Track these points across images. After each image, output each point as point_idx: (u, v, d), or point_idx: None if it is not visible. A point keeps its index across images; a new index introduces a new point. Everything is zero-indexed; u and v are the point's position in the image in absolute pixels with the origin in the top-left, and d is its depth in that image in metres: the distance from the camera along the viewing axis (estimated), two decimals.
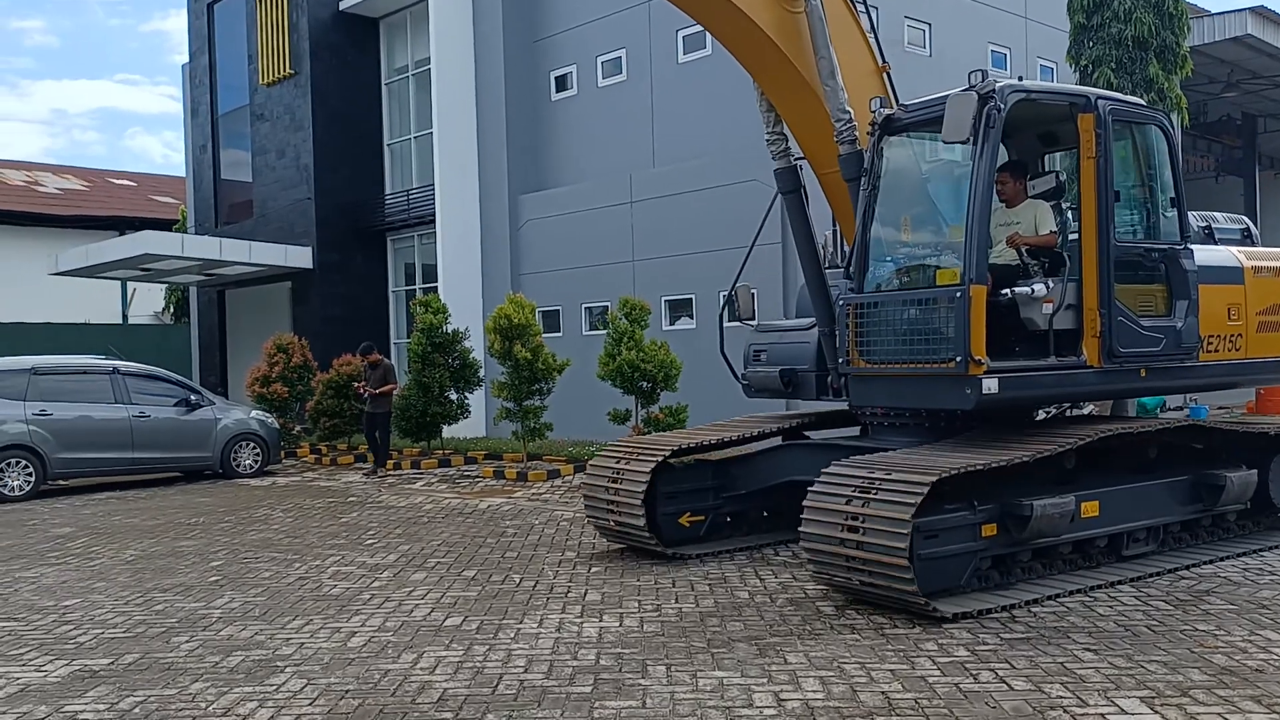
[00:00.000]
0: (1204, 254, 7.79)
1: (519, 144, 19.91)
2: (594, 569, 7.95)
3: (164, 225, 31.50)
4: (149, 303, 36.59)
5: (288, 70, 22.62)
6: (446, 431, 16.92)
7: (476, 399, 17.23)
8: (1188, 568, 7.27)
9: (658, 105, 17.91)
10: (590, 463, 8.67)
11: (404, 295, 22.61)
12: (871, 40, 8.23)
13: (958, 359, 6.49)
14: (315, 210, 22.18)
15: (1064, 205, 7.81)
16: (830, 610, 6.50)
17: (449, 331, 16.07)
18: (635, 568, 7.93)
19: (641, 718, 4.70)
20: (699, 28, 12.53)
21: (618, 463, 8.22)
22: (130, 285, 34.98)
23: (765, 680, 5.17)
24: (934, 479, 5.97)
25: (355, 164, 22.68)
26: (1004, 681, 5.05)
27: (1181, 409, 15.63)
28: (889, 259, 7.52)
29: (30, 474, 13.54)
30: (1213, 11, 21.68)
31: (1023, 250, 7.18)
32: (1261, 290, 8.11)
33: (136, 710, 5.06)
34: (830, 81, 7.61)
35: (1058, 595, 6.54)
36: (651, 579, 7.54)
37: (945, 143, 6.61)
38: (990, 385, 6.53)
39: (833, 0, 7.85)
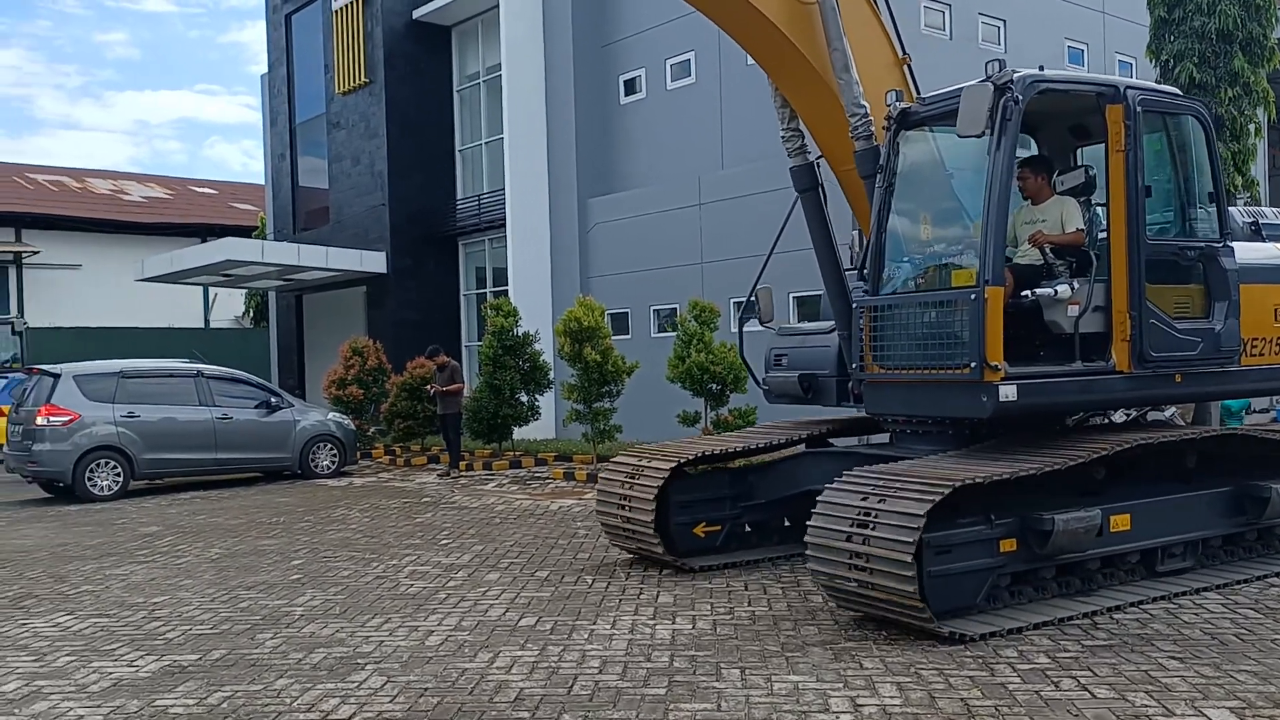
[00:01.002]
0: (1248, 251, 7.38)
1: (588, 148, 20.04)
2: (665, 571, 7.97)
3: (244, 232, 32.30)
4: (229, 307, 37.57)
5: (363, 79, 23.06)
6: (517, 433, 17.09)
7: (546, 401, 17.37)
8: (1234, 584, 6.84)
9: (726, 107, 17.89)
10: (602, 472, 8.37)
11: (475, 299, 22.89)
12: (891, 31, 7.90)
13: (972, 365, 6.20)
14: (389, 216, 22.57)
15: (1093, 202, 7.40)
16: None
17: (519, 334, 16.24)
18: (707, 570, 7.92)
19: None
20: None
21: (629, 473, 7.98)
22: (212, 290, 35.96)
23: (841, 685, 5.14)
24: (939, 495, 5.64)
25: (428, 170, 23.04)
26: (1086, 689, 4.96)
27: (1267, 411, 15.14)
28: (905, 259, 7.21)
29: (119, 474, 13.99)
30: None
31: (1046, 250, 6.81)
32: None
33: (224, 705, 5.21)
34: (844, 75, 7.33)
35: (1092, 613, 6.16)
36: (724, 581, 7.54)
37: (961, 136, 6.26)
38: (1008, 392, 6.22)
39: None
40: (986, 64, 6.39)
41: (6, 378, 21.20)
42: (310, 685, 5.47)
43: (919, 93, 7.62)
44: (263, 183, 30.43)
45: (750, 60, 17.17)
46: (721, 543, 8.27)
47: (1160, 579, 6.85)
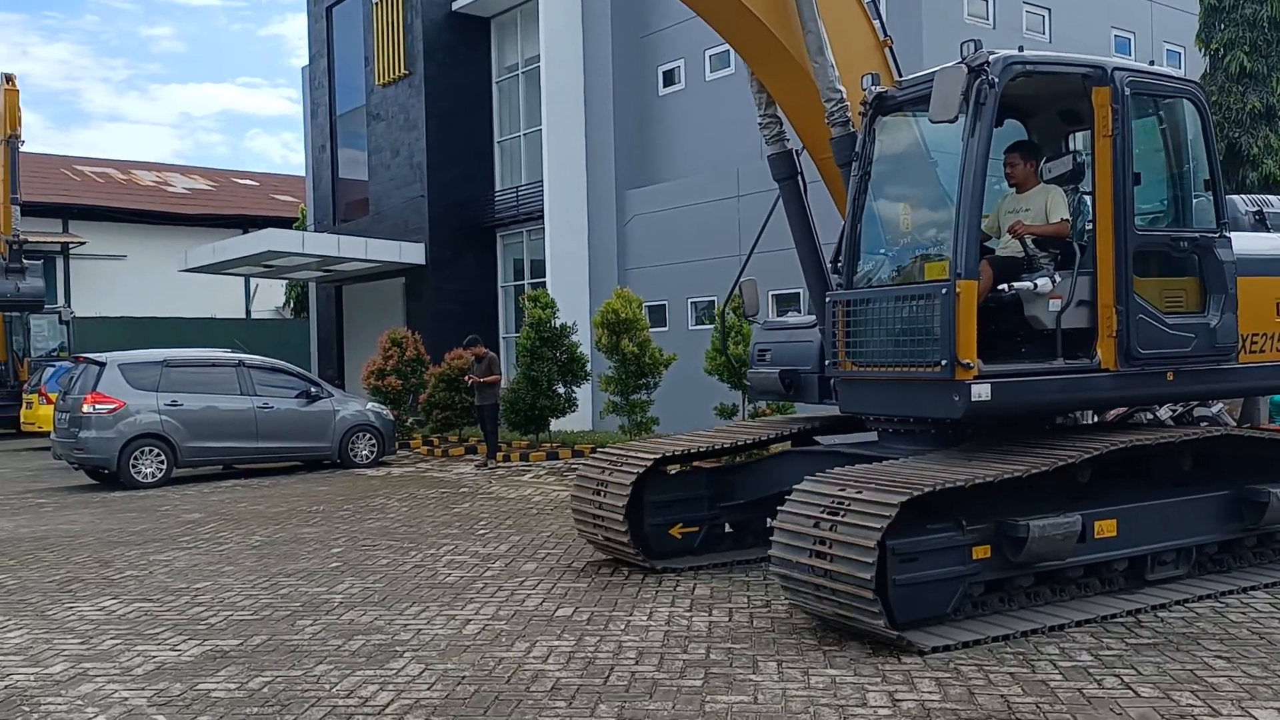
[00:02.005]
0: (1248, 242, 7.02)
1: (626, 139, 20.02)
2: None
3: (285, 223, 32.65)
4: (270, 298, 38.00)
5: (402, 71, 23.19)
6: (554, 425, 17.16)
7: (584, 392, 17.41)
8: (1222, 595, 6.45)
9: None
10: (578, 472, 8.10)
11: (513, 290, 22.98)
12: (871, 12, 7.60)
13: (943, 362, 5.90)
14: (428, 207, 22.70)
15: (1081, 190, 7.01)
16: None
17: (557, 326, 16.27)
18: (744, 563, 7.89)
19: (753, 714, 4.69)
20: None
21: (602, 472, 7.69)
22: (253, 281, 36.37)
23: (879, 680, 5.10)
24: (903, 499, 5.34)
25: (466, 162, 23.14)
26: (1130, 688, 4.88)
27: None
28: (881, 251, 6.88)
29: (162, 462, 14.18)
30: None
31: (1028, 241, 6.50)
32: None
33: (265, 690, 5.26)
34: (819, 58, 7.06)
35: (1062, 626, 5.81)
36: (760, 574, 7.50)
37: (933, 122, 5.96)
38: (981, 392, 5.91)
39: None
40: (961, 45, 6.08)
41: (54, 366, 21.58)
42: (349, 671, 5.52)
43: (901, 76, 7.30)
44: (303, 174, 30.71)
45: None
46: (700, 544, 7.97)
47: (1151, 587, 6.47)
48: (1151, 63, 6.90)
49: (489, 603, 6.96)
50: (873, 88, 6.78)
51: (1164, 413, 8.40)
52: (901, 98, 6.72)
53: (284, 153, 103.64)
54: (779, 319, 9.15)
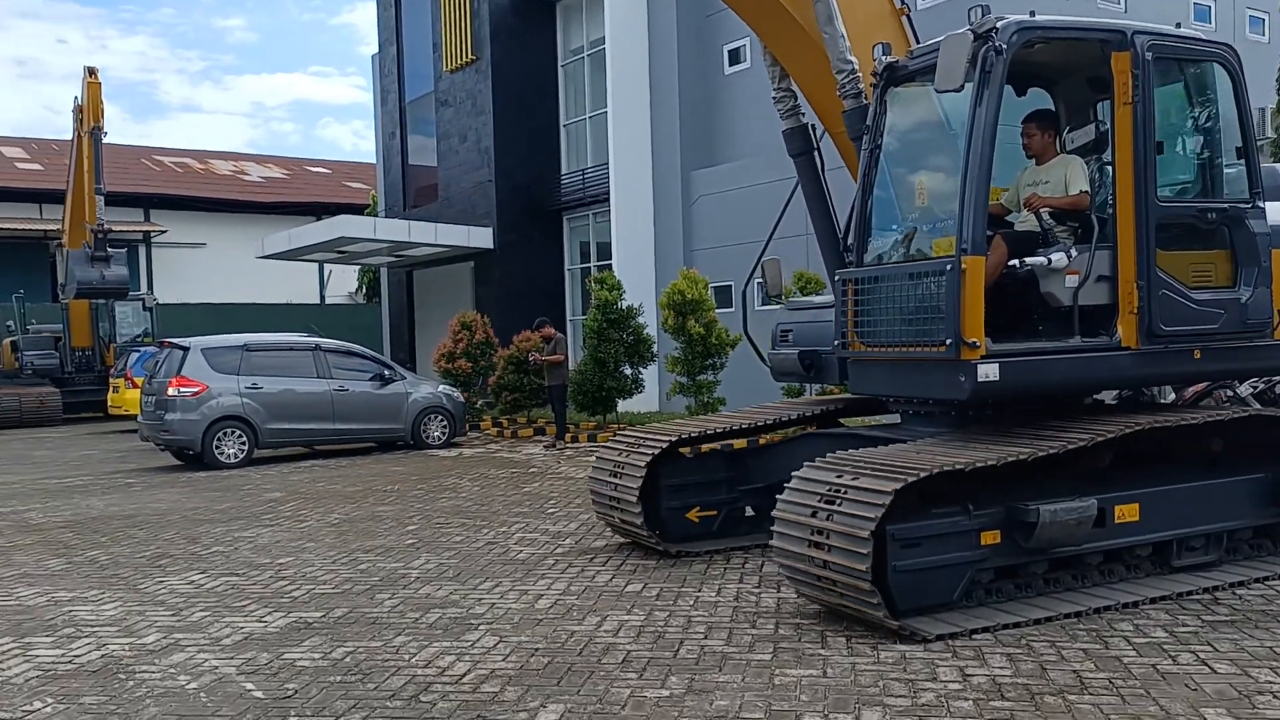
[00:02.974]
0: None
1: (691, 120, 19.99)
2: None
3: (356, 210, 33.25)
4: (343, 283, 38.74)
5: (470, 56, 23.43)
6: (621, 406, 17.26)
7: (650, 374, 17.48)
8: (1258, 581, 6.17)
9: None
10: (597, 454, 8.05)
11: (579, 273, 23.13)
12: None
13: (948, 342, 5.71)
14: (495, 192, 22.95)
15: (1103, 161, 6.71)
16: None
17: (623, 308, 16.36)
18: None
19: (823, 688, 4.74)
20: None
21: (619, 455, 7.63)
22: (327, 267, 37.10)
23: (950, 655, 5.11)
24: (898, 486, 5.19)
25: (533, 145, 23.31)
26: (1205, 664, 4.83)
27: None
28: (893, 228, 6.65)
29: (244, 443, 14.62)
30: None
31: (1044, 215, 6.30)
32: None
33: (347, 659, 5.45)
34: (828, 28, 6.83)
35: (1079, 614, 5.62)
36: None
37: (938, 91, 5.74)
38: (988, 372, 5.70)
39: None
40: (969, 10, 5.86)
41: (139, 352, 22.29)
42: (427, 643, 5.68)
43: (918, 44, 7.06)
44: (373, 161, 31.20)
45: None
46: (718, 528, 7.86)
47: (1177, 574, 6.22)
48: (1178, 25, 6.56)
49: (560, 578, 7.10)
50: (883, 57, 6.56)
51: (1245, 389, 8.20)
52: (913, 67, 6.47)
53: (354, 140, 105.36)
54: (803, 299, 8.96)
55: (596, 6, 21.76)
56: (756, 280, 8.03)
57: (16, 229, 33.83)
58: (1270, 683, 4.57)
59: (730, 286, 18.55)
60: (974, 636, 5.36)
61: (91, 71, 23.87)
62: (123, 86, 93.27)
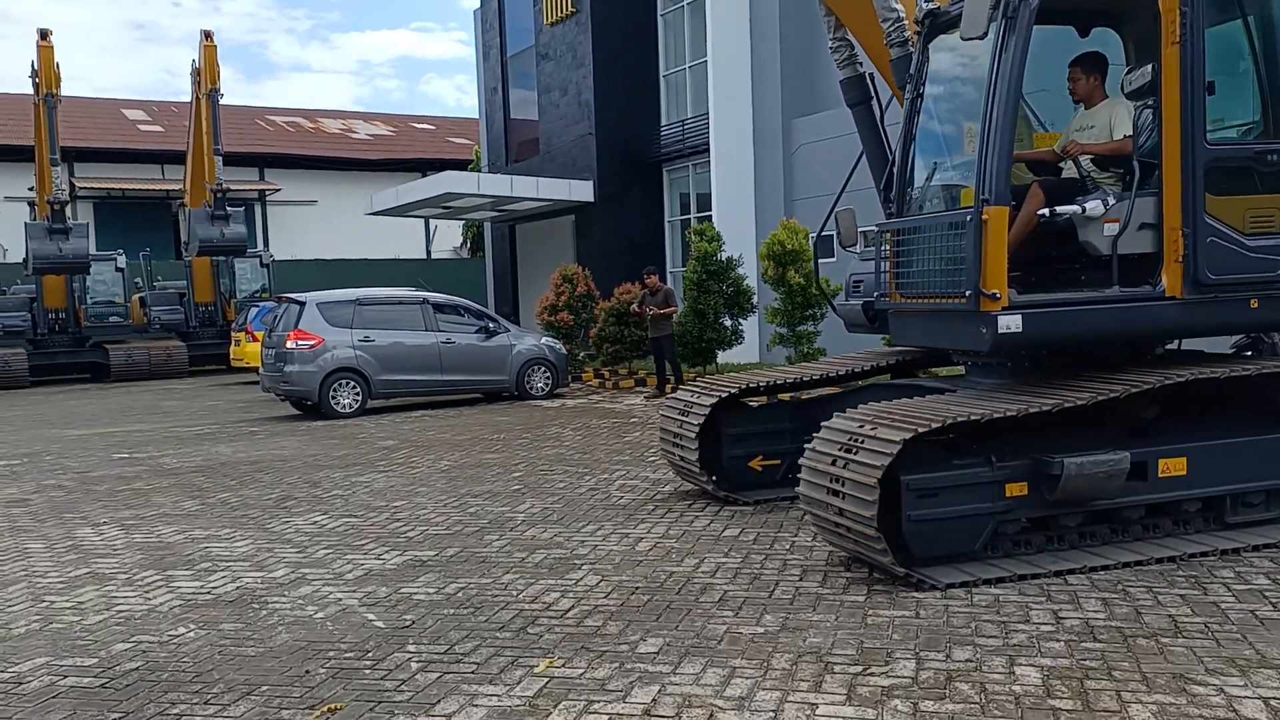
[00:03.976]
0: None
1: (792, 67, 19.74)
2: None
3: (460, 166, 33.82)
4: (448, 238, 39.57)
5: (570, 9, 23.51)
6: (721, 357, 17.38)
7: (750, 325, 17.54)
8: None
9: None
10: (666, 400, 8.24)
11: (679, 225, 23.20)
12: None
13: (968, 293, 5.66)
14: (595, 145, 23.09)
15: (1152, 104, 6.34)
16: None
17: (723, 259, 16.42)
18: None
19: (915, 628, 4.86)
20: None
21: (686, 403, 7.75)
22: (433, 223, 37.92)
23: (1044, 599, 5.17)
24: (906, 436, 5.20)
25: (632, 97, 23.35)
26: None
27: None
28: (935, 179, 6.57)
29: (358, 393, 15.23)
30: None
31: (1083, 161, 6.14)
32: None
33: (459, 594, 5.78)
34: None
35: (1107, 566, 5.55)
36: None
37: (964, 39, 5.58)
38: (1010, 323, 5.59)
39: None
40: None
41: (258, 306, 23.26)
42: (533, 581, 5.98)
43: None
44: (476, 117, 31.65)
45: None
46: (781, 477, 7.75)
47: (1230, 530, 6.03)
48: None
49: (659, 523, 7.33)
50: (925, 4, 6.39)
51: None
52: (954, 14, 6.16)
53: (458, 96, 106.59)
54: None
55: None
56: (831, 231, 7.95)
57: (141, 189, 35.44)
58: None
59: (833, 235, 18.39)
60: (1070, 581, 5.41)
61: (208, 35, 24.73)
62: (235, 48, 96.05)
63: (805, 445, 5.91)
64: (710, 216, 20.20)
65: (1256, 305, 6.02)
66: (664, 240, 23.63)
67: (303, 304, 15.43)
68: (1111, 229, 5.80)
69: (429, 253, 39.79)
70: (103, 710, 4.35)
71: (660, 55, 23.69)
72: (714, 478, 7.73)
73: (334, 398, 15.05)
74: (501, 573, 6.20)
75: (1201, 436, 6.02)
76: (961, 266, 5.76)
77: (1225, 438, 6.05)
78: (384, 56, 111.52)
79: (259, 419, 15.60)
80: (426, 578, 6.17)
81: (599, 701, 4.18)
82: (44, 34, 23.69)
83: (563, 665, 4.59)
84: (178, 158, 30.31)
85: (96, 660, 4.96)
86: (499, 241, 29.01)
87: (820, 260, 8.98)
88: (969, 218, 5.69)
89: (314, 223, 37.68)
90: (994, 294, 5.60)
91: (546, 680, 4.43)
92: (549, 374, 16.66)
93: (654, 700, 4.16)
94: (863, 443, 5.39)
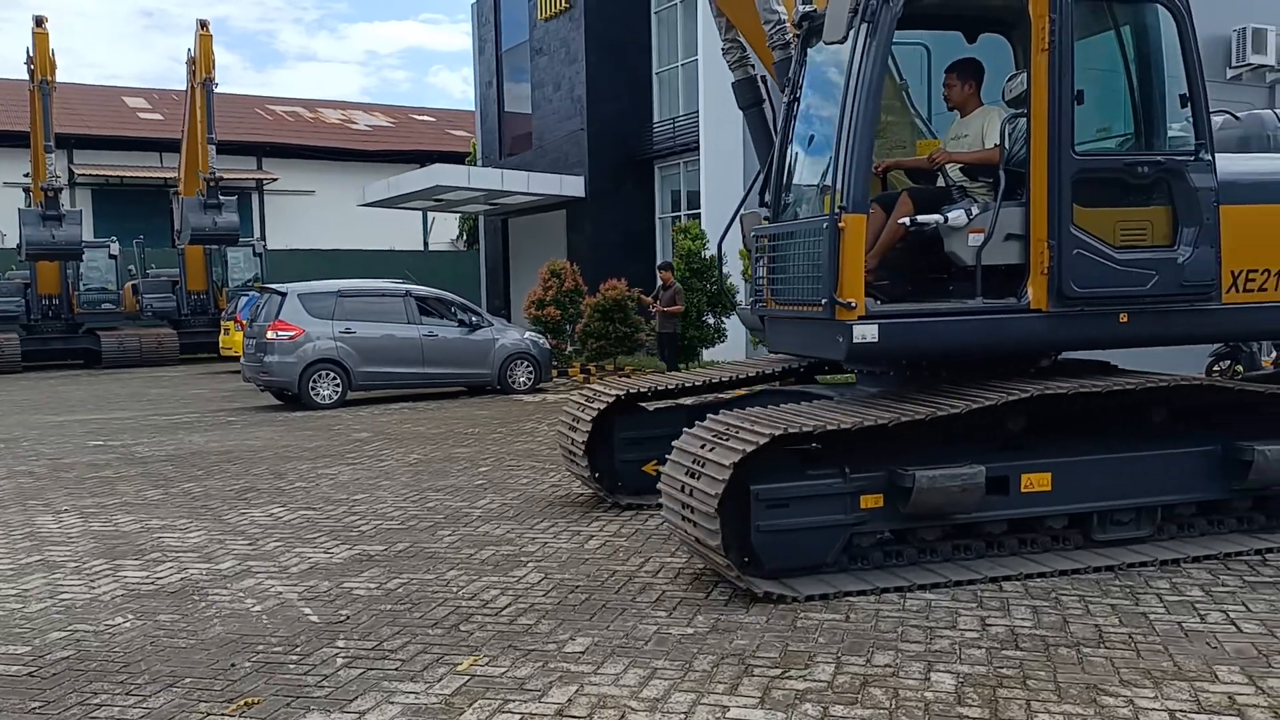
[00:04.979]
0: (1243, 165, 6.18)
1: None
2: None
3: (457, 159, 33.84)
4: (446, 231, 39.56)
5: (564, 4, 23.50)
6: (705, 355, 17.38)
7: (734, 323, 17.52)
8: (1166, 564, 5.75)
9: None
10: (564, 408, 8.08)
11: (670, 222, 23.19)
12: None
13: (823, 302, 5.57)
14: (587, 140, 23.11)
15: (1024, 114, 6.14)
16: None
17: (706, 257, 16.41)
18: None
19: (843, 631, 4.87)
20: None
21: (578, 409, 7.67)
22: (430, 215, 37.93)
23: (975, 605, 5.18)
24: (736, 459, 5.08)
25: (625, 94, 23.36)
26: (1233, 623, 4.80)
27: None
28: (807, 184, 6.41)
29: (338, 385, 15.24)
30: None
31: (950, 170, 6.03)
32: None
33: (400, 590, 5.79)
34: None
35: (973, 581, 5.47)
36: None
37: (826, 44, 5.52)
38: (865, 333, 5.49)
39: None
40: None
41: (248, 296, 23.28)
42: (476, 577, 5.99)
43: None
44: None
45: None
46: None
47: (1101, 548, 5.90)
48: None
49: (614, 521, 7.34)
50: (801, 7, 6.24)
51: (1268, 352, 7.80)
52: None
53: (464, 88, 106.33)
54: None
55: None
56: (735, 234, 7.80)
57: (140, 176, 35.45)
58: None
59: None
60: (1005, 588, 5.42)
61: (203, 24, 24.72)
62: (243, 37, 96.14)
63: (660, 469, 5.80)
64: (700, 214, 20.21)
65: (1126, 320, 5.88)
66: (655, 236, 23.64)
67: (284, 295, 15.44)
68: (976, 239, 5.68)
69: (426, 245, 39.79)
70: (24, 699, 4.37)
71: (654, 52, 23.69)
72: (597, 476, 7.65)
73: (314, 389, 15.06)
74: (447, 569, 6.21)
75: (1070, 452, 5.88)
76: (818, 274, 5.68)
77: (1093, 454, 5.91)
78: (392, 48, 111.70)
79: (239, 409, 15.62)
80: (371, 572, 6.18)
81: (515, 701, 4.19)
82: (39, 20, 23.74)
83: (486, 663, 4.61)
84: (177, 146, 30.26)
85: (30, 649, 4.98)
86: (492, 235, 29.04)
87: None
88: (825, 225, 5.58)
89: (311, 213, 37.67)
90: (850, 303, 5.49)
91: (467, 679, 4.44)
92: (532, 368, 16.67)
93: (569, 700, 4.18)
94: (704, 466, 5.29)
